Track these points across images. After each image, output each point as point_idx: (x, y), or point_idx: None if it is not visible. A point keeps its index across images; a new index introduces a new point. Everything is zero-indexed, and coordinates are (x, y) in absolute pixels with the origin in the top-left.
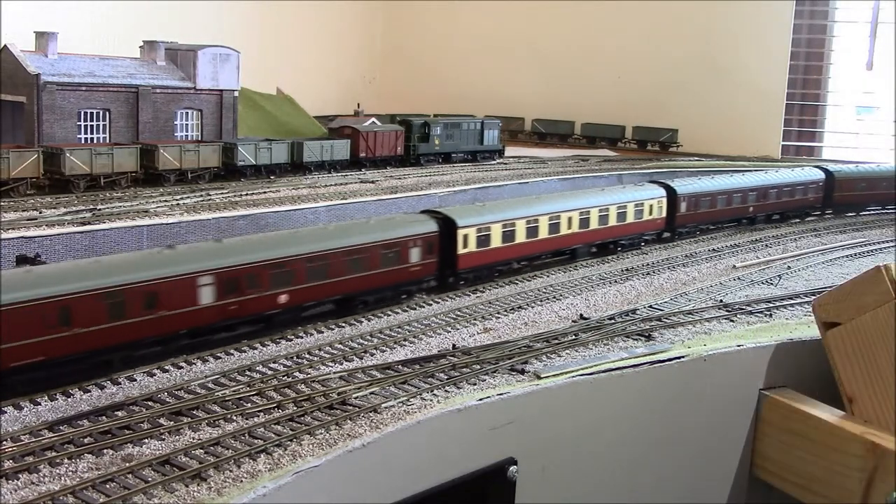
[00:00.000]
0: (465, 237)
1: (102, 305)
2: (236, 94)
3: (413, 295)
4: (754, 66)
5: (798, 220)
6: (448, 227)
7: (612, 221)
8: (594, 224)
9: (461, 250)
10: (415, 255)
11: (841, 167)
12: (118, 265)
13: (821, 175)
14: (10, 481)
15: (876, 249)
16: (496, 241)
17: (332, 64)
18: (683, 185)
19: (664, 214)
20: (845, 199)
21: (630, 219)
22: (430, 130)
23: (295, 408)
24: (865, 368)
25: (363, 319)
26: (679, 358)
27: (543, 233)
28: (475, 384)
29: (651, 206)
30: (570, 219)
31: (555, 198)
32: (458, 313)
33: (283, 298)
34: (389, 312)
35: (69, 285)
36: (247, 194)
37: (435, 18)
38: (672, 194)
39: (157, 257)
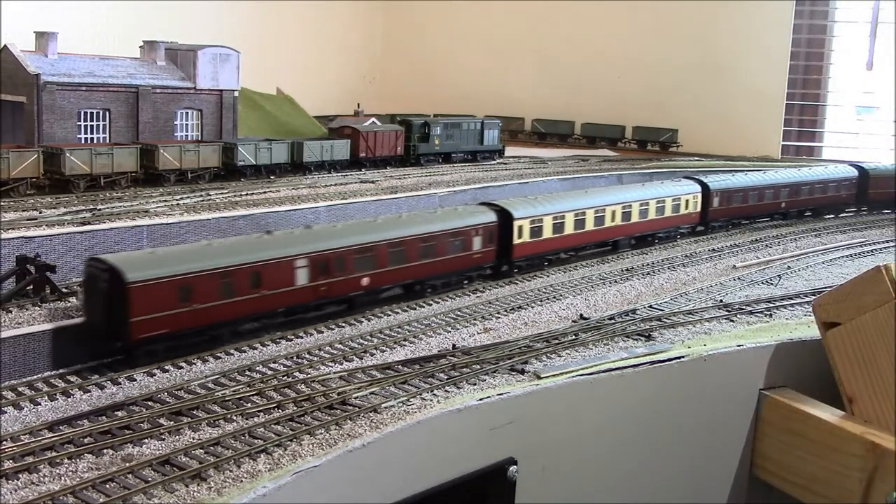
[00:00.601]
0: (520, 228)
1: (217, 284)
2: (236, 94)
3: (473, 280)
4: (754, 66)
5: (832, 216)
6: (505, 218)
7: (652, 215)
8: (635, 217)
9: (516, 240)
10: (477, 243)
11: (876, 165)
12: (228, 248)
13: (854, 172)
14: (10, 481)
15: (876, 249)
16: (547, 233)
17: (332, 64)
18: (716, 181)
19: (699, 209)
20: (880, 196)
21: (667, 213)
22: (430, 130)
23: (295, 408)
24: (865, 368)
25: (363, 319)
26: (679, 358)
27: (590, 225)
28: (475, 384)
29: (687, 200)
30: (613, 212)
31: (600, 192)
32: (458, 313)
33: (365, 281)
34: (389, 312)
35: (190, 265)
36: (247, 194)
37: (435, 18)
38: (705, 190)
39: (259, 241)
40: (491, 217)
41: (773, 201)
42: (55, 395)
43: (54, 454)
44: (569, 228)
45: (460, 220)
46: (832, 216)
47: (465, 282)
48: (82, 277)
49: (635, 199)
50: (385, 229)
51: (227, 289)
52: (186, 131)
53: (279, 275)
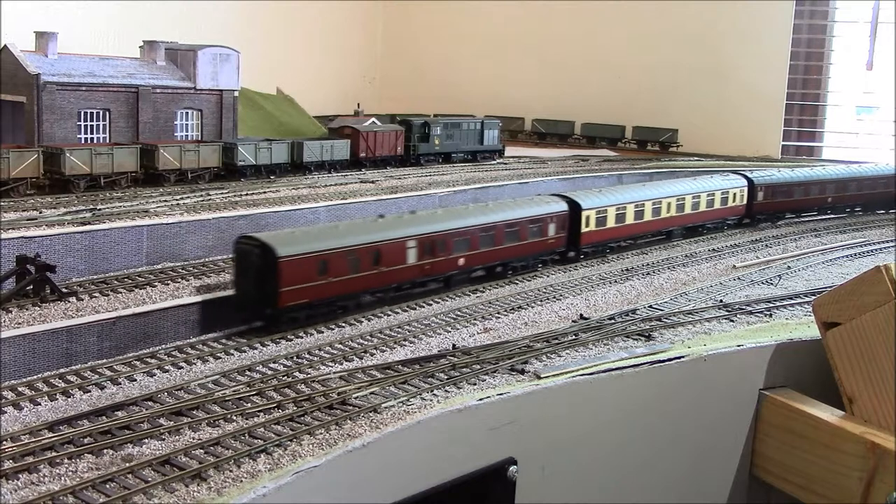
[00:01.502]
0: (587, 217)
1: (347, 260)
2: (236, 94)
3: (547, 264)
4: (754, 66)
5: (882, 212)
6: (574, 208)
7: (702, 207)
8: (688, 209)
9: (584, 228)
10: (551, 230)
11: None
12: (353, 229)
13: None
14: (10, 481)
15: (876, 249)
16: (611, 222)
17: (332, 64)
18: (760, 176)
19: (745, 202)
20: None
21: (716, 205)
22: (430, 130)
23: (295, 408)
24: (865, 368)
25: (363, 319)
26: (679, 358)
27: (648, 216)
28: (475, 384)
29: (734, 194)
30: (669, 204)
31: (656, 185)
32: (458, 313)
33: (461, 261)
34: (390, 312)
35: (325, 243)
36: (247, 194)
37: (435, 18)
38: (751, 184)
39: (376, 224)
40: (563, 207)
41: (820, 196)
42: (55, 395)
43: (54, 454)
44: (629, 219)
45: (538, 209)
46: (883, 211)
47: (540, 265)
48: (233, 253)
49: (688, 192)
50: (477, 215)
51: (355, 265)
52: (186, 131)
53: (394, 254)
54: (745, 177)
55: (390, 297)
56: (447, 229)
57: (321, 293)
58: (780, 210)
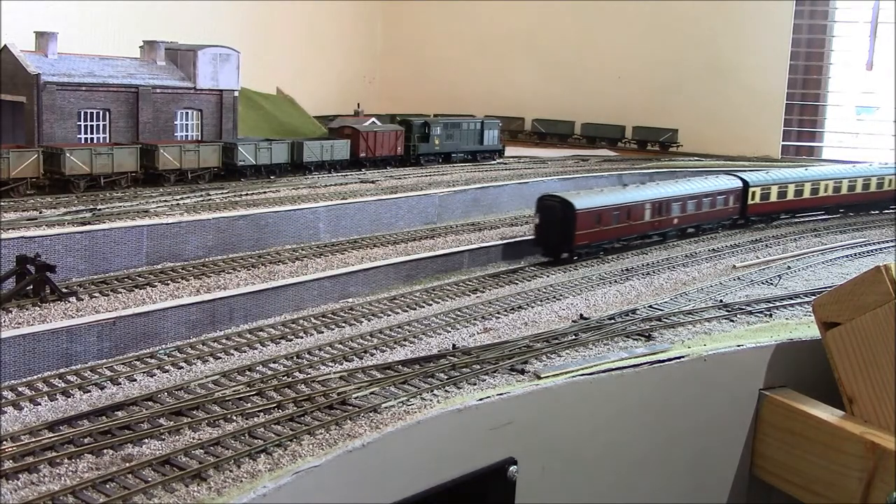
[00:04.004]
0: (753, 193)
1: (611, 215)
2: (236, 94)
3: (726, 227)
4: (754, 66)
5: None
6: (745, 185)
7: (858, 190)
8: (844, 191)
9: (750, 201)
10: (731, 201)
11: None
12: (612, 193)
13: None
14: (10, 481)
15: (876, 249)
16: (773, 198)
17: (332, 64)
18: None
19: (894, 188)
20: None
21: (872, 189)
22: (430, 130)
23: (295, 408)
24: (865, 368)
25: (363, 319)
26: (679, 358)
27: (806, 194)
28: (475, 384)
29: (890, 180)
30: (826, 186)
31: (817, 169)
32: (458, 313)
33: (675, 221)
34: (389, 313)
35: (599, 200)
36: (247, 194)
37: (435, 18)
38: None
39: (624, 190)
40: (738, 183)
41: None
42: (55, 395)
43: (54, 454)
44: (789, 196)
45: (723, 184)
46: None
47: (720, 229)
48: (536, 208)
49: (843, 176)
50: (686, 187)
51: (615, 218)
52: (186, 131)
53: (638, 212)
54: None
55: (632, 245)
56: (669, 195)
57: (595, 237)
58: None
